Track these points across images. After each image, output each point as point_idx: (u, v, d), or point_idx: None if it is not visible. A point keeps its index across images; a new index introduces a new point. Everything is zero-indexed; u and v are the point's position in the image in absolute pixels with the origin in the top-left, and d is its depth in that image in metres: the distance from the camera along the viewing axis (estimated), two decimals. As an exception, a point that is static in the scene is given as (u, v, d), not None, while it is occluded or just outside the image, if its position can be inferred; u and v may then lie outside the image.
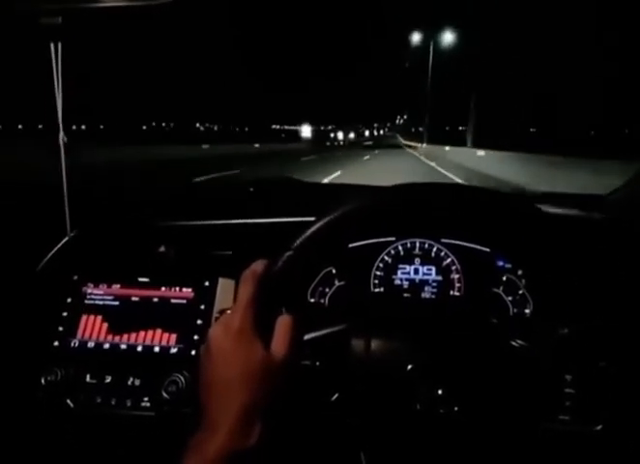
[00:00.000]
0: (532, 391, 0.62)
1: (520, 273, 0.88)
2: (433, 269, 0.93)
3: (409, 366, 0.63)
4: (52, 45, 0.72)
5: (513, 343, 0.64)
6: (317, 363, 0.66)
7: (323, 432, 0.65)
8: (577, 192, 1.24)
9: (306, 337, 0.65)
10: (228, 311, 0.59)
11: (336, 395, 0.64)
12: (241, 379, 0.53)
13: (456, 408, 0.60)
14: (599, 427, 0.61)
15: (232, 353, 0.54)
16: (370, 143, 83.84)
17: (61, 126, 0.78)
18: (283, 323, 0.58)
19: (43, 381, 0.82)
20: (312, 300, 0.91)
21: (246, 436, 0.50)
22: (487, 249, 0.90)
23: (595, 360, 0.63)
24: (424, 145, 36.16)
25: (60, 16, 0.68)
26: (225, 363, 0.54)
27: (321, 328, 0.68)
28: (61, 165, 0.86)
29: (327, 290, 0.92)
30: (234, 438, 0.50)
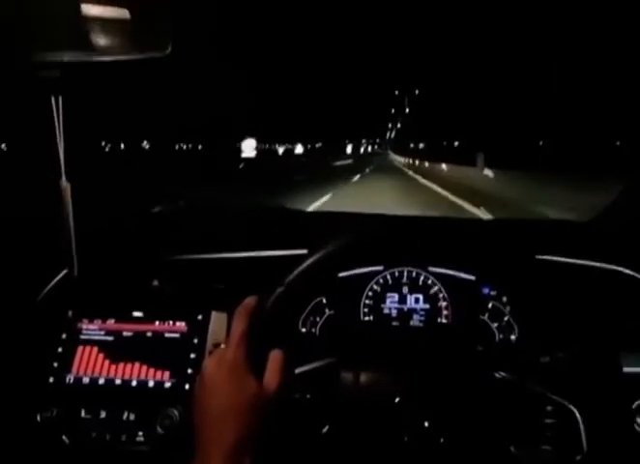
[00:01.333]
0: (514, 420, 0.64)
1: (505, 300, 0.91)
2: (421, 297, 0.95)
3: (397, 399, 0.65)
4: (53, 99, 0.75)
5: (497, 375, 0.67)
6: (308, 396, 0.67)
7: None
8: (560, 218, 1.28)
9: (297, 371, 0.67)
10: (222, 345, 0.61)
11: (327, 427, 0.66)
12: (233, 412, 0.55)
13: (442, 439, 0.62)
14: (579, 457, 0.63)
15: (225, 386, 0.56)
16: (348, 162, 43.77)
17: (63, 171, 0.82)
18: (275, 357, 0.60)
19: (38, 418, 0.83)
20: (303, 329, 0.93)
21: None
22: (473, 277, 0.93)
23: (574, 388, 0.65)
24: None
25: (58, 70, 0.72)
26: (218, 396, 0.56)
27: (312, 359, 0.70)
28: (66, 209, 0.89)
29: (318, 319, 0.93)
30: None
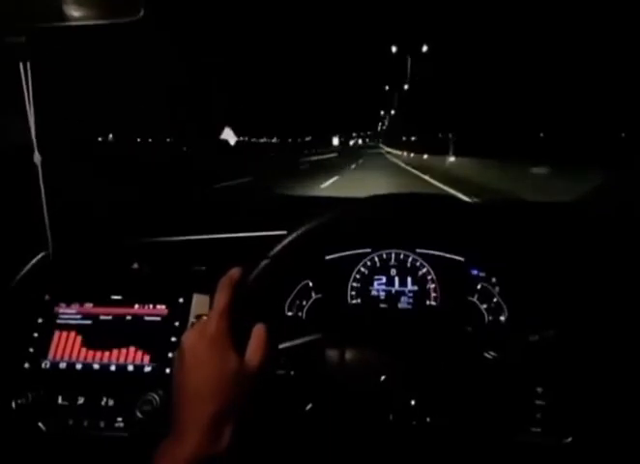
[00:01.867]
0: (504, 402, 0.62)
1: (494, 281, 0.89)
2: (409, 279, 0.93)
3: (382, 377, 0.63)
4: (21, 65, 0.72)
5: (487, 355, 0.65)
6: (292, 373, 0.66)
7: (297, 442, 0.65)
8: (551, 200, 1.27)
9: (281, 346, 0.65)
10: (204, 317, 0.59)
11: (310, 405, 0.64)
12: (212, 385, 0.52)
13: (429, 419, 0.60)
14: (569, 440, 0.62)
15: (205, 358, 0.54)
16: (329, 157, 38.55)
17: (35, 145, 0.78)
18: (258, 332, 0.58)
19: (13, 404, 0.80)
20: (290, 313, 0.91)
21: (215, 443, 0.50)
22: (461, 259, 0.91)
23: (564, 369, 0.64)
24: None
25: (24, 35, 0.69)
26: (198, 369, 0.53)
27: (297, 338, 0.68)
28: (39, 184, 0.85)
29: (304, 303, 0.91)
30: (203, 444, 0.50)
